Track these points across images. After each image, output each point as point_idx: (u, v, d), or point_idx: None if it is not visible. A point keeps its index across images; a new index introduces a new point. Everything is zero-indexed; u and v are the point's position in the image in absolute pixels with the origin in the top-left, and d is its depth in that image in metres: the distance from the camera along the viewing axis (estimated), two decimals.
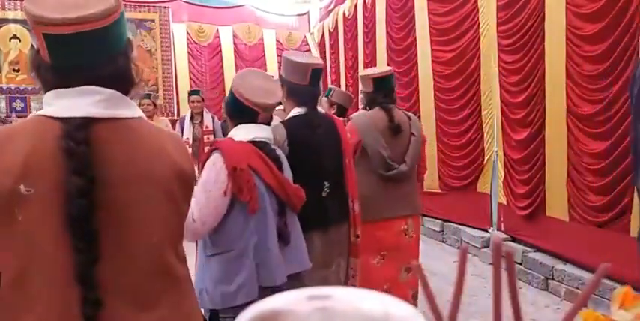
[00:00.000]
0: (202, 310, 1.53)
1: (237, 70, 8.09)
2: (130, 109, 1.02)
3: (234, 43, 8.11)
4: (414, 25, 5.24)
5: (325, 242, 2.08)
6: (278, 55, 8.36)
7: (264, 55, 8.29)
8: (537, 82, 3.59)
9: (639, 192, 1.18)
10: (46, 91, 0.98)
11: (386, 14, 5.83)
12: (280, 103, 2.00)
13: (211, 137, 5.58)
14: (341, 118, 3.24)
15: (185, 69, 7.84)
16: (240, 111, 1.76)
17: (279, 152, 1.83)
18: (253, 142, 1.73)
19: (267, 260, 1.66)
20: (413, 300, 2.69)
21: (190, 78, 7.89)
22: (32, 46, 1.00)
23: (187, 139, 5.43)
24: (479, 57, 4.34)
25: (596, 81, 3.12)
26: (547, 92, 3.52)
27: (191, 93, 5.95)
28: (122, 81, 1.01)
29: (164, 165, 1.01)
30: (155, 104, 5.82)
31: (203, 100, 5.85)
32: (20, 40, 6.84)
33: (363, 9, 6.47)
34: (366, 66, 6.50)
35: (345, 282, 2.20)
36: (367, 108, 2.71)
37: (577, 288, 3.38)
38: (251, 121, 1.77)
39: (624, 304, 0.56)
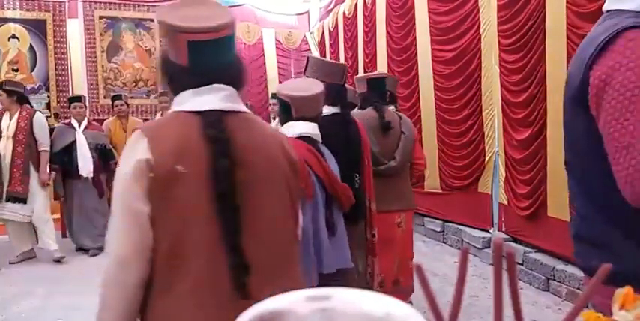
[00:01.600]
0: None
1: None
2: (242, 104, 1.18)
3: None
4: (414, 24, 5.24)
5: (350, 236, 2.13)
6: (277, 55, 8.35)
7: (263, 54, 8.28)
8: (538, 81, 3.59)
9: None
10: (177, 92, 1.14)
11: (386, 13, 5.83)
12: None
13: None
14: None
15: None
16: (283, 108, 1.90)
17: (324, 149, 1.93)
18: (301, 138, 1.85)
19: (325, 248, 1.76)
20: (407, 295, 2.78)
21: None
22: (163, 56, 1.18)
23: None
24: (479, 56, 4.34)
25: None
26: (548, 92, 3.51)
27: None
28: (239, 80, 1.17)
29: (280, 151, 1.18)
30: (128, 104, 5.75)
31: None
32: (19, 40, 6.84)
33: (363, 8, 6.47)
34: (365, 65, 6.50)
35: (370, 280, 2.28)
36: (362, 108, 2.87)
37: (578, 288, 3.37)
38: (288, 114, 1.89)
39: (625, 305, 0.56)
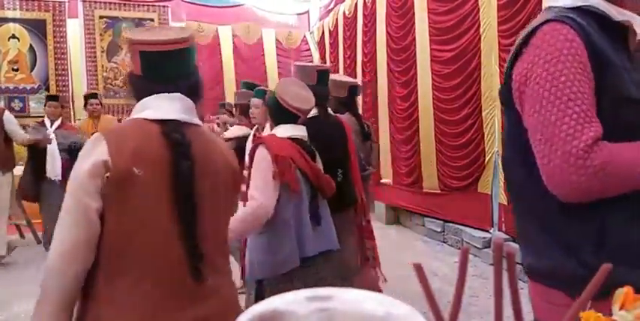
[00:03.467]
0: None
1: (236, 69, 8.08)
2: (196, 117, 1.28)
3: (234, 42, 8.10)
4: (414, 24, 5.24)
5: (339, 222, 2.37)
6: (278, 55, 8.35)
7: (263, 54, 8.28)
8: None
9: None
10: (138, 100, 1.26)
11: (386, 13, 5.83)
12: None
13: None
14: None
15: None
16: (282, 113, 2.11)
17: (312, 148, 2.15)
18: (291, 139, 2.06)
19: (304, 235, 1.99)
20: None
21: None
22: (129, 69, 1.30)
23: None
24: (479, 56, 4.34)
25: None
26: None
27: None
28: (196, 92, 1.28)
29: (224, 163, 1.31)
30: (102, 104, 5.58)
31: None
32: (19, 40, 6.85)
33: (363, 8, 6.48)
34: (364, 65, 6.50)
35: (362, 262, 2.56)
36: (337, 111, 2.90)
37: None
38: (291, 122, 2.11)
39: (625, 305, 0.56)
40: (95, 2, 7.25)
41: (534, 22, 1.03)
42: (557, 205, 0.98)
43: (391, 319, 0.35)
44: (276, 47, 8.35)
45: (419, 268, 0.41)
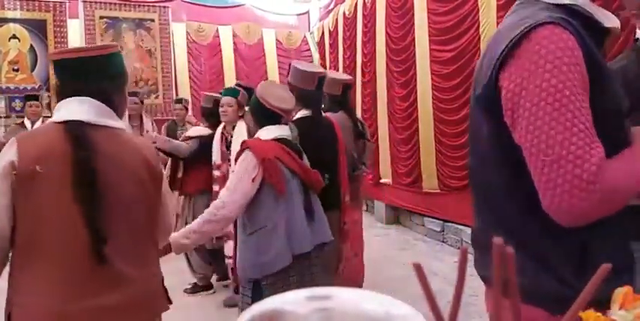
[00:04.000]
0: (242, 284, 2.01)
1: (237, 69, 8.09)
2: (111, 119, 1.39)
3: (234, 43, 8.10)
4: (414, 24, 5.23)
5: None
6: (278, 55, 8.35)
7: (264, 54, 8.28)
8: None
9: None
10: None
11: (385, 13, 5.82)
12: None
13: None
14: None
15: (185, 68, 7.84)
16: (266, 115, 2.13)
17: (298, 146, 2.19)
18: (277, 140, 2.09)
19: (297, 233, 2.01)
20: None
21: (190, 77, 7.88)
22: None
23: None
24: (479, 56, 4.32)
25: None
26: None
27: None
28: (108, 96, 1.39)
29: (138, 160, 1.41)
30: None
31: (142, 102, 5.49)
32: (19, 40, 6.85)
33: (362, 8, 6.47)
34: (364, 65, 6.50)
35: (338, 262, 2.62)
36: (330, 110, 2.92)
37: None
38: (275, 122, 2.14)
39: (625, 305, 0.56)
40: (96, 2, 7.25)
41: (520, 22, 0.92)
42: (539, 225, 0.93)
43: (391, 319, 0.35)
44: (277, 47, 8.35)
45: (419, 268, 0.41)
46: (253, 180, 1.96)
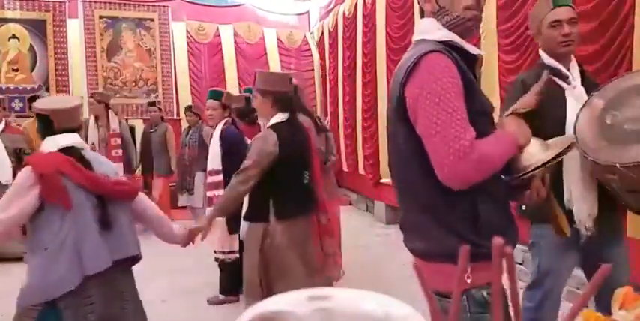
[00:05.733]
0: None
1: (238, 68, 8.09)
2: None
3: (235, 42, 8.10)
4: (414, 24, 5.23)
5: (304, 224, 2.53)
6: (280, 54, 8.35)
7: (265, 53, 8.28)
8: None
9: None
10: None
11: (385, 13, 5.82)
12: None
13: (119, 140, 5.24)
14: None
15: (185, 68, 7.84)
16: (45, 125, 1.96)
17: (88, 155, 2.00)
18: (63, 150, 1.91)
19: (88, 250, 1.86)
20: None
21: (190, 76, 7.88)
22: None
23: (93, 144, 5.00)
24: None
25: None
26: None
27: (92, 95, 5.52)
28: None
29: None
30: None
31: (101, 101, 5.37)
32: (19, 40, 6.85)
33: (362, 8, 6.47)
34: (364, 65, 6.50)
35: (323, 259, 2.63)
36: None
37: (577, 288, 3.37)
38: (50, 129, 1.95)
39: (625, 305, 0.56)
40: (95, 2, 7.26)
41: (415, 52, 1.31)
42: (443, 199, 1.28)
43: (391, 319, 0.35)
44: (278, 47, 8.35)
45: (419, 268, 0.41)
46: (31, 197, 1.80)
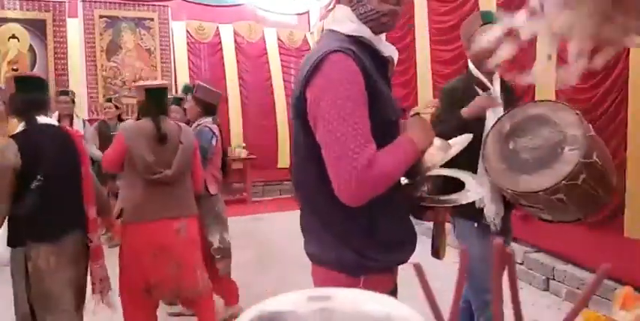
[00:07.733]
0: None
1: (239, 67, 8.08)
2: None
3: (236, 41, 8.09)
4: (414, 24, 5.23)
5: (73, 245, 2.25)
6: (280, 53, 8.34)
7: (266, 52, 8.27)
8: None
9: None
10: None
11: None
12: None
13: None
14: (209, 118, 3.32)
15: (185, 67, 7.83)
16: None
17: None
18: None
19: None
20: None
21: (190, 76, 7.87)
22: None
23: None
24: None
25: (586, 80, 3.15)
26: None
27: (60, 93, 5.26)
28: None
29: None
30: (73, 101, 5.28)
31: (73, 102, 5.23)
32: (19, 40, 6.84)
33: None
34: None
35: (93, 286, 2.38)
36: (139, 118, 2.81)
37: (578, 288, 3.38)
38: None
39: (625, 305, 0.56)
40: (95, 2, 7.25)
41: (321, 47, 1.20)
42: (341, 209, 1.19)
43: (391, 319, 0.35)
44: (279, 46, 8.35)
45: (419, 268, 0.41)
46: None
